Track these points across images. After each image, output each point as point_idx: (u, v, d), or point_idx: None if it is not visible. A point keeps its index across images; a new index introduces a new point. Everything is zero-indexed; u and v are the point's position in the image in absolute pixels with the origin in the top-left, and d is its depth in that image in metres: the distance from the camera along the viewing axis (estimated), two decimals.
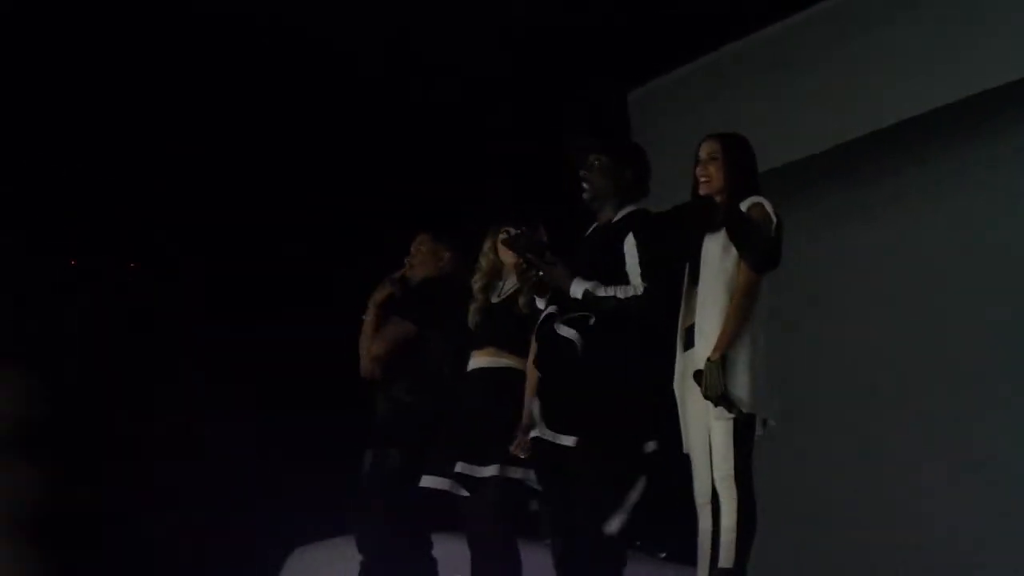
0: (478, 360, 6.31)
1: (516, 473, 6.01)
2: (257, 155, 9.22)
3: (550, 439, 5.75)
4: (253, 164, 9.22)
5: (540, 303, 5.95)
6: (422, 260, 6.97)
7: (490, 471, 6.04)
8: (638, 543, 7.87)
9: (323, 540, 7.84)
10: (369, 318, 6.89)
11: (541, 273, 5.87)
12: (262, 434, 8.81)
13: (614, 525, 5.63)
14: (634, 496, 5.65)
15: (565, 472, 5.73)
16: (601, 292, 5.76)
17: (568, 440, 5.69)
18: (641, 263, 5.79)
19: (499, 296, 6.38)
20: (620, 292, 5.76)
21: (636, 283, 5.77)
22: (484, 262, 6.45)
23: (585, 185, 6.01)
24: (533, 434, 5.86)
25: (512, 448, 5.94)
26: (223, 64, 8.91)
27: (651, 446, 5.72)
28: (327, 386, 8.07)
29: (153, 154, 9.00)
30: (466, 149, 9.42)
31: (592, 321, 5.77)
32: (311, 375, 8.58)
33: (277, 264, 9.25)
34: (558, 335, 5.81)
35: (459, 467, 6.10)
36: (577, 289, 5.78)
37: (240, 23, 8.62)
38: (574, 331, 5.78)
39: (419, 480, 6.25)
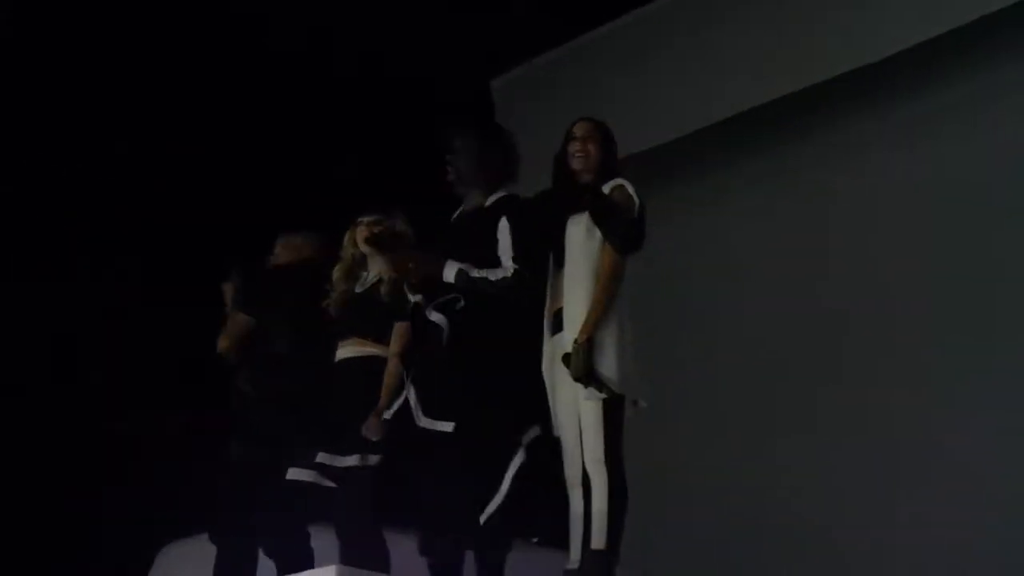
0: (343, 351, 6.28)
1: (377, 460, 6.00)
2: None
3: (427, 426, 5.74)
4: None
5: (411, 296, 5.95)
6: (282, 256, 6.95)
7: (351, 460, 6.03)
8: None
9: (192, 536, 7.75)
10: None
11: (411, 265, 5.86)
12: (130, 429, 8.71)
13: (488, 511, 5.63)
14: (507, 483, 5.64)
15: (441, 458, 5.73)
16: (474, 273, 5.77)
17: (446, 426, 5.69)
18: (513, 245, 5.81)
19: (363, 286, 6.36)
20: (491, 274, 5.77)
21: (508, 265, 5.79)
22: (345, 253, 6.42)
23: (450, 168, 6.01)
24: (386, 415, 5.89)
25: (364, 429, 5.94)
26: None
27: (533, 432, 5.74)
28: (191, 379, 7.99)
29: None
30: (325, 138, 9.38)
31: (460, 304, 5.78)
32: (175, 365, 8.49)
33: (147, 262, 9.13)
34: (428, 321, 5.82)
35: (320, 457, 6.09)
36: (449, 272, 5.78)
37: None
38: (442, 316, 5.79)
39: (277, 472, 6.23)
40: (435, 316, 5.80)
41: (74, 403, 8.74)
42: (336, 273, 6.43)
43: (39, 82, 8.81)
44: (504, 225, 5.84)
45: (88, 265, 8.88)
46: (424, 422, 5.76)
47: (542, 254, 5.84)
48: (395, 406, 5.91)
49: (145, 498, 8.44)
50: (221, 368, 6.92)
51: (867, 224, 8.85)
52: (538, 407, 5.78)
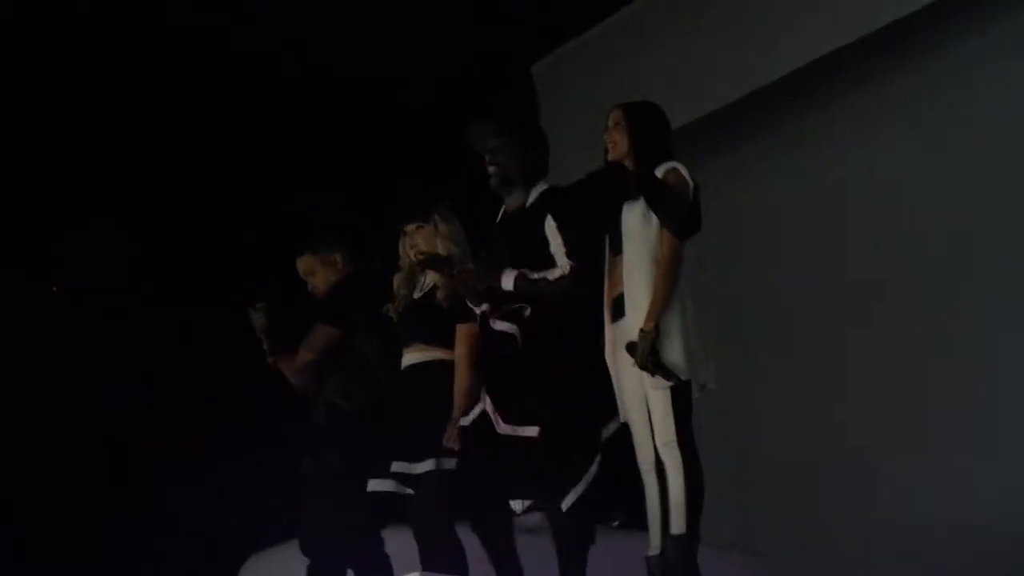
0: (408, 357, 6.28)
1: (452, 464, 5.98)
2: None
3: (509, 432, 5.70)
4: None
5: (474, 307, 5.93)
6: (320, 276, 6.95)
7: (425, 467, 6.04)
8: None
9: (275, 546, 7.80)
10: (276, 355, 6.87)
11: (468, 281, 5.84)
12: (205, 447, 8.76)
13: (569, 500, 5.62)
14: (591, 472, 5.65)
15: (528, 462, 5.70)
16: (532, 276, 5.76)
17: (531, 431, 5.65)
18: (565, 242, 5.78)
19: (421, 290, 6.35)
20: (549, 274, 5.76)
21: (563, 263, 5.77)
22: (403, 262, 6.41)
23: (492, 169, 5.98)
24: (463, 423, 5.87)
25: (444, 440, 5.94)
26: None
27: (612, 427, 5.74)
28: (262, 398, 8.01)
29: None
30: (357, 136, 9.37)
31: (528, 312, 5.77)
32: (244, 388, 8.52)
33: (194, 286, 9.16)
34: (495, 331, 5.81)
35: (395, 466, 6.12)
36: (508, 280, 5.77)
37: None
38: (510, 324, 5.77)
39: (363, 482, 6.24)
40: (501, 325, 5.79)
41: (152, 417, 8.81)
42: (396, 281, 6.43)
43: (34, 83, 8.84)
44: (551, 223, 5.82)
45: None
46: (505, 429, 5.71)
47: (594, 243, 5.82)
48: (472, 414, 5.86)
49: (226, 511, 8.52)
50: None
51: (934, 170, 8.78)
52: (613, 400, 5.76)
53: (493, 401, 5.77)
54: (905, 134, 8.88)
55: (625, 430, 5.73)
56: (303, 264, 7.00)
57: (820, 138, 9.29)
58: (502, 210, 6.08)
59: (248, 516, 8.23)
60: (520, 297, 5.77)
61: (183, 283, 9.07)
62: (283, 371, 6.90)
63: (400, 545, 6.48)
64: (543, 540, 5.89)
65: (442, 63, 9.20)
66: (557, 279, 5.75)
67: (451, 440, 5.94)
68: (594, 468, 5.65)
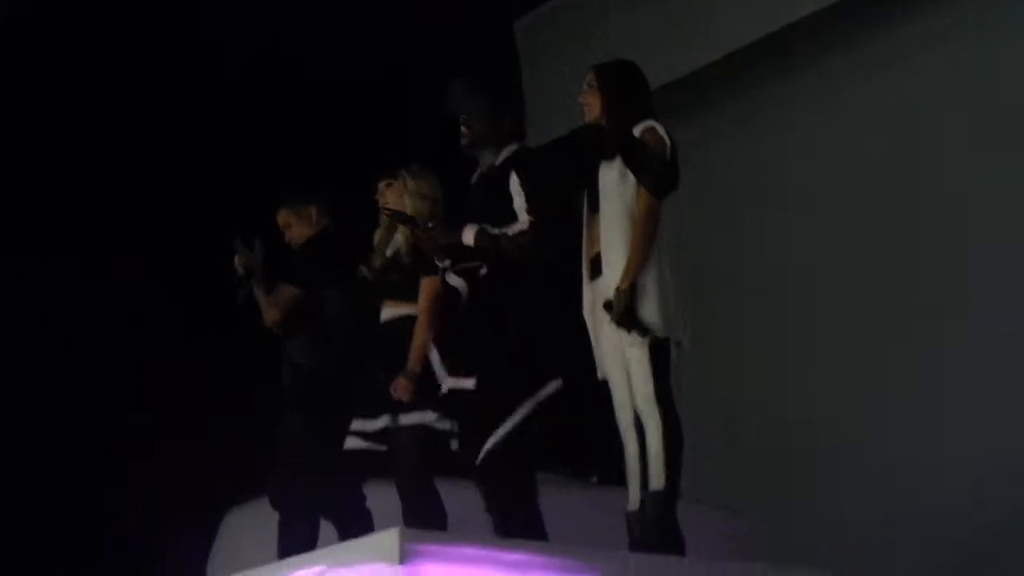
0: (383, 313, 6.33)
1: (411, 419, 6.04)
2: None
3: (452, 385, 5.82)
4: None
5: (439, 262, 5.97)
6: (295, 229, 6.98)
7: (381, 422, 6.09)
8: (569, 470, 7.97)
9: (256, 499, 7.83)
10: (261, 292, 6.86)
11: (432, 238, 5.88)
12: (185, 398, 8.78)
13: (484, 448, 5.67)
14: (505, 429, 5.65)
15: (464, 415, 5.82)
16: (492, 232, 5.79)
17: (468, 383, 5.75)
18: (527, 199, 5.81)
19: (393, 248, 6.38)
20: (510, 230, 5.79)
21: (523, 219, 5.80)
22: (383, 218, 6.45)
23: (464, 130, 6.01)
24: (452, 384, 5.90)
25: (392, 391, 5.99)
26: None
27: (552, 387, 5.73)
28: (244, 352, 8.03)
29: None
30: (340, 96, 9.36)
31: (484, 270, 5.82)
32: (225, 342, 8.53)
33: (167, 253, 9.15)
34: (448, 286, 5.88)
35: (355, 424, 6.18)
36: (468, 235, 5.80)
37: None
38: (460, 279, 5.85)
39: (329, 440, 6.30)
40: (454, 280, 5.87)
41: (127, 376, 8.82)
42: (376, 238, 6.46)
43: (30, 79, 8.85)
44: (515, 180, 5.85)
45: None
46: (449, 382, 5.83)
47: (559, 200, 5.85)
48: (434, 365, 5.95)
49: (205, 466, 8.54)
50: (273, 340, 6.97)
51: (908, 141, 8.80)
52: (560, 362, 5.78)
53: (440, 354, 5.87)
54: (876, 99, 8.90)
55: (570, 390, 5.76)
56: (280, 217, 7.03)
57: (801, 99, 9.29)
58: (476, 172, 6.10)
59: (229, 470, 8.24)
60: (482, 254, 5.81)
61: (159, 234, 9.05)
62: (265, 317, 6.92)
63: (385, 500, 6.52)
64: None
65: (424, 21, 9.18)
66: (516, 234, 5.78)
67: (399, 391, 5.98)
68: (508, 424, 5.65)
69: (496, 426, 5.65)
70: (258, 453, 7.20)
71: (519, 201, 5.83)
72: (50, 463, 8.64)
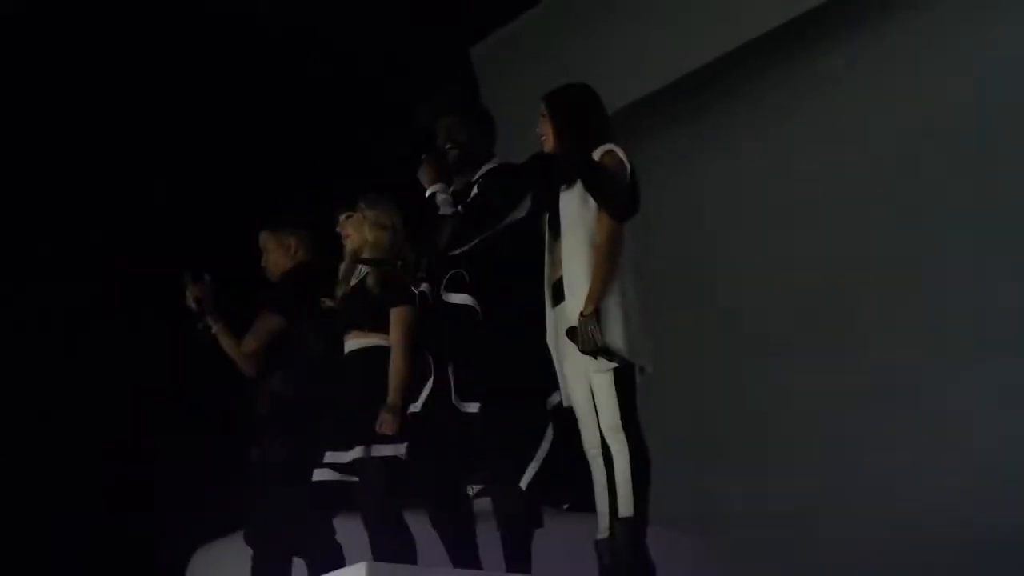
0: (347, 345, 6.29)
1: (385, 451, 5.98)
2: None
3: (463, 409, 5.74)
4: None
5: (415, 288, 5.94)
6: (273, 256, 7.00)
7: (354, 454, 6.02)
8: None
9: (224, 537, 7.76)
10: (217, 325, 6.82)
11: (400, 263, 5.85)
12: (151, 437, 8.71)
13: (527, 479, 5.64)
14: (544, 448, 5.66)
15: (475, 441, 5.75)
16: (441, 198, 5.83)
17: (472, 407, 5.70)
18: (473, 195, 5.83)
19: (357, 277, 6.35)
20: (445, 207, 5.81)
21: (456, 207, 5.81)
22: (347, 248, 6.42)
23: (449, 146, 5.98)
24: (413, 408, 5.85)
25: (378, 426, 5.92)
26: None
27: (556, 397, 5.74)
28: (207, 389, 7.96)
29: None
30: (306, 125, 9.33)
31: (466, 277, 5.77)
32: (188, 380, 8.46)
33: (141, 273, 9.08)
34: (449, 304, 5.80)
35: (328, 456, 6.12)
36: (428, 191, 5.85)
37: None
38: (466, 296, 5.78)
39: (305, 472, 6.23)
40: (457, 298, 5.79)
41: (96, 414, 8.74)
42: (340, 271, 6.43)
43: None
44: (478, 183, 5.87)
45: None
46: (461, 406, 5.76)
47: (503, 208, 5.80)
48: (422, 397, 5.85)
49: (173, 504, 8.47)
50: (237, 372, 6.92)
51: (881, 153, 8.80)
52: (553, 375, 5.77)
53: (454, 380, 5.77)
54: (842, 112, 8.92)
55: (570, 411, 5.72)
56: (261, 239, 7.05)
57: (763, 117, 9.29)
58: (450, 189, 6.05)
59: (197, 508, 8.17)
60: (452, 262, 5.77)
61: (127, 262, 9.01)
62: (226, 350, 6.86)
63: (352, 533, 6.46)
64: (487, 525, 5.87)
65: (382, 47, 9.17)
66: (445, 216, 5.79)
67: (384, 426, 5.92)
68: (546, 444, 5.67)
69: (532, 450, 5.64)
70: (227, 488, 7.16)
71: (470, 196, 5.83)
72: (22, 491, 8.55)
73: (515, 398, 5.69)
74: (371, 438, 5.97)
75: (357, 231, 6.31)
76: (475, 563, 5.83)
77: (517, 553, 5.74)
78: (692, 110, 9.55)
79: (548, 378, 5.75)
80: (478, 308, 5.75)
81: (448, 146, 5.99)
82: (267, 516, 6.63)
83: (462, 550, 5.88)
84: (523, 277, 5.84)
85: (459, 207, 5.82)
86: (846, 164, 8.82)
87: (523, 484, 5.65)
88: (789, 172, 9.05)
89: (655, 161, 8.62)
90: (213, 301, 6.83)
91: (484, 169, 5.97)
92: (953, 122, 8.44)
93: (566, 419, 5.74)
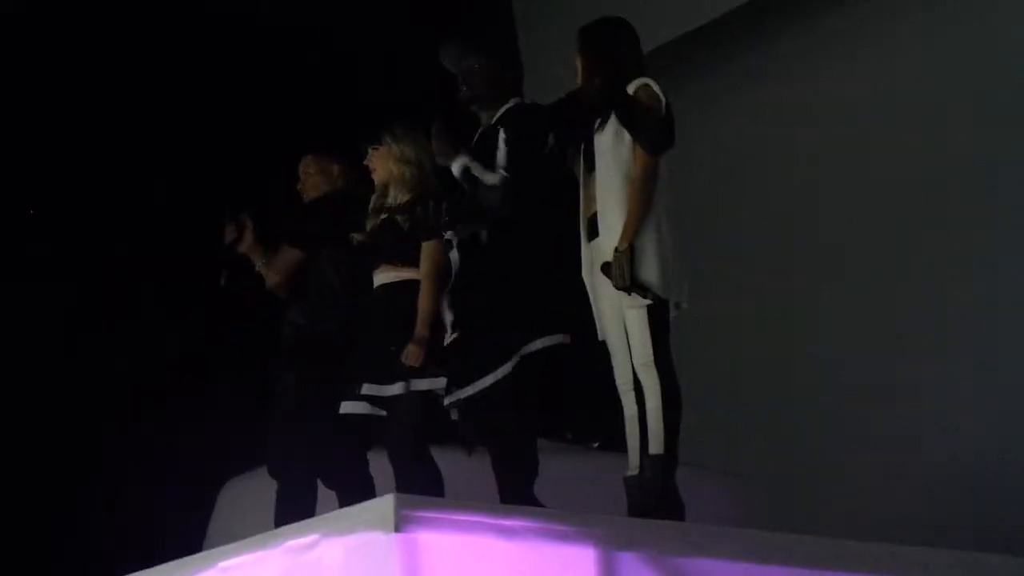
0: (379, 278, 6.26)
1: (422, 385, 6.00)
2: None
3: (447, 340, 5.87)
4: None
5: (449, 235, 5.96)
6: (312, 181, 6.94)
7: (397, 388, 6.02)
8: (570, 436, 7.91)
9: (255, 469, 7.79)
10: (259, 261, 6.83)
11: (447, 218, 5.86)
12: (183, 368, 8.75)
13: (451, 398, 5.78)
14: (487, 381, 5.69)
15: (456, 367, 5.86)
16: (475, 172, 5.81)
17: (450, 338, 5.84)
18: (507, 155, 5.79)
19: (387, 211, 6.31)
20: (486, 177, 5.79)
21: (499, 173, 5.78)
22: (375, 178, 6.38)
23: (464, 88, 5.99)
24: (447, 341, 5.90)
25: (403, 358, 5.94)
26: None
27: (538, 344, 5.70)
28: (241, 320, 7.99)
29: None
30: (342, 60, 9.29)
31: (484, 236, 5.82)
32: (223, 311, 8.49)
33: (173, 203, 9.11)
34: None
35: (367, 388, 6.10)
36: (457, 166, 5.84)
37: None
38: (456, 253, 5.86)
39: (328, 405, 6.25)
40: (452, 255, 5.89)
41: (126, 348, 8.78)
42: (373, 201, 6.39)
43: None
44: (501, 136, 5.83)
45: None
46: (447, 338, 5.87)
47: (545, 156, 5.81)
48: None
49: (204, 436, 8.51)
50: (272, 302, 6.93)
51: (915, 100, 8.73)
52: (553, 318, 5.74)
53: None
54: (877, 59, 8.84)
55: (568, 350, 5.71)
56: (303, 164, 6.99)
57: (802, 58, 9.22)
58: (479, 130, 6.05)
59: (228, 440, 8.21)
60: (473, 219, 5.80)
61: (158, 203, 9.03)
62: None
63: (376, 468, 6.47)
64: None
65: None
66: (489, 184, 5.78)
67: (410, 357, 5.94)
68: (490, 378, 5.67)
69: (479, 377, 5.67)
70: (257, 423, 7.18)
71: (501, 156, 5.80)
72: (49, 431, 8.62)
73: (493, 327, 5.72)
74: (411, 372, 5.98)
75: (383, 164, 6.28)
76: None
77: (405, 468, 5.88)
78: (726, 53, 9.49)
79: (539, 324, 5.73)
80: (456, 265, 5.88)
81: (462, 89, 6.00)
82: (289, 448, 6.64)
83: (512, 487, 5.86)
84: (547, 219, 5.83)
85: (503, 171, 5.78)
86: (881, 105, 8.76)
87: (447, 401, 5.79)
88: (845, 112, 8.97)
89: (692, 100, 8.59)
90: (253, 239, 6.83)
91: (504, 108, 5.97)
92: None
93: (542, 368, 5.72)
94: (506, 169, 5.76)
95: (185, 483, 8.33)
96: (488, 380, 5.68)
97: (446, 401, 5.84)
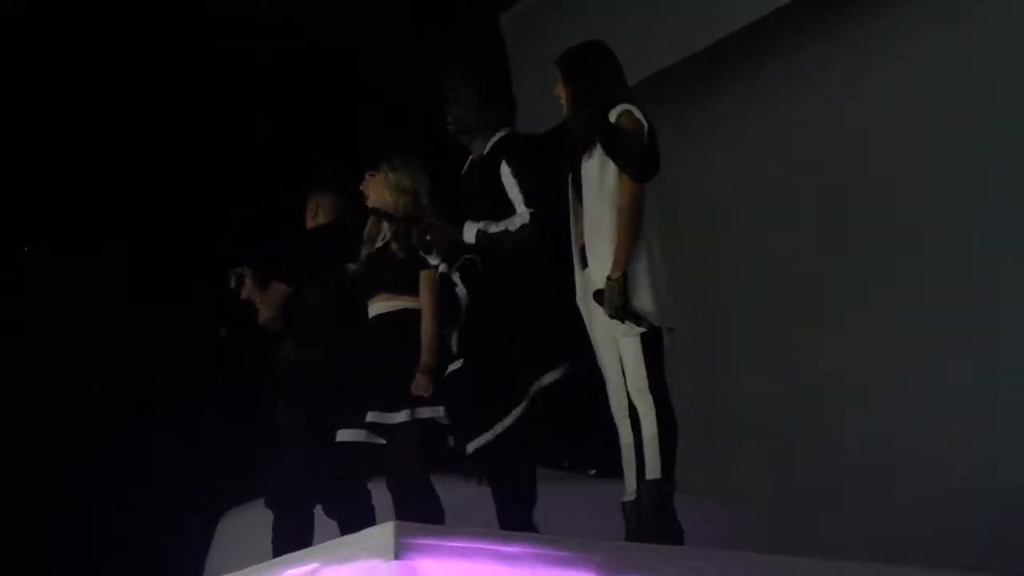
0: (374, 307, 6.26)
1: (425, 413, 6.01)
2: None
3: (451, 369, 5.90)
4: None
5: (432, 259, 5.99)
6: (314, 215, 6.98)
7: (401, 416, 6.03)
8: (566, 463, 7.95)
9: (252, 501, 7.80)
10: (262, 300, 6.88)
11: (428, 237, 5.88)
12: (182, 401, 8.76)
13: (473, 445, 5.77)
14: (504, 424, 5.72)
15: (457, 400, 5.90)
16: (493, 230, 5.81)
17: (455, 365, 5.86)
18: (522, 189, 5.81)
19: (382, 240, 6.33)
20: (510, 225, 5.80)
21: (522, 211, 5.80)
22: (368, 204, 6.41)
23: (449, 118, 6.03)
24: (451, 368, 5.93)
25: (413, 388, 5.95)
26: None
27: (550, 378, 5.76)
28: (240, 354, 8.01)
29: None
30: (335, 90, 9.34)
31: (479, 266, 5.86)
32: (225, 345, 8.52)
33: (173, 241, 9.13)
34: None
35: (371, 416, 6.10)
36: (469, 233, 5.84)
37: None
38: (464, 289, 5.90)
39: (323, 435, 6.29)
40: (459, 290, 5.92)
41: (123, 378, 8.78)
42: (366, 232, 6.41)
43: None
44: (506, 170, 5.86)
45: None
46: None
47: (551, 188, 5.82)
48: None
49: (201, 469, 8.51)
50: (264, 338, 6.95)
51: (908, 123, 8.76)
52: (559, 351, 5.79)
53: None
54: (872, 80, 8.87)
55: (571, 380, 5.77)
56: (309, 204, 7.00)
57: (792, 83, 9.25)
58: (468, 160, 6.08)
59: (227, 471, 8.22)
60: (475, 249, 5.83)
61: (156, 234, 9.04)
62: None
63: (374, 496, 6.49)
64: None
65: (411, 15, 9.17)
66: (519, 228, 5.79)
67: (420, 387, 5.95)
68: (508, 420, 5.72)
69: (496, 420, 5.70)
70: (255, 455, 7.19)
71: (514, 193, 5.82)
72: (48, 462, 8.62)
73: (499, 366, 5.76)
74: (414, 400, 5.99)
75: (377, 191, 6.29)
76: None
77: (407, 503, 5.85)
78: (715, 81, 9.52)
79: (547, 358, 5.79)
80: (464, 302, 5.92)
81: (449, 119, 6.05)
82: (285, 479, 6.67)
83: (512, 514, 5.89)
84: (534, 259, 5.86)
85: (526, 208, 5.80)
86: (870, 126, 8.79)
87: (470, 449, 5.78)
88: (840, 136, 8.99)
89: (682, 130, 8.64)
90: (253, 285, 6.87)
91: (493, 141, 6.00)
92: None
93: (550, 401, 5.77)
94: (527, 203, 5.80)
95: (183, 514, 8.32)
96: (507, 422, 5.73)
97: (469, 448, 5.82)
